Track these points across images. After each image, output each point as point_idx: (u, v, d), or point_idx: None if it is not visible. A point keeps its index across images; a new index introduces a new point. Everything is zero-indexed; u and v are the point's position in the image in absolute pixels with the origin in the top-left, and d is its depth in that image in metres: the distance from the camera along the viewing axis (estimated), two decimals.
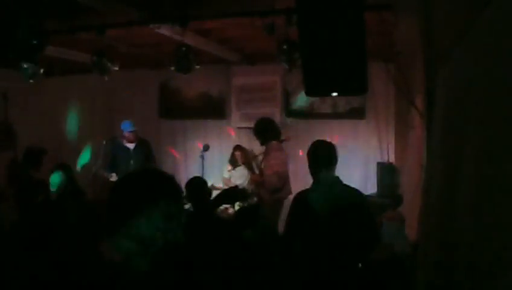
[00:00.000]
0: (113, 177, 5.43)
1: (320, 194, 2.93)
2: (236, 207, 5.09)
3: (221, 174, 6.40)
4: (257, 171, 6.14)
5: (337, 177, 3.00)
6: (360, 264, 3.33)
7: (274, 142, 4.88)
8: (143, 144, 5.89)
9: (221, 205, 3.89)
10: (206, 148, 5.98)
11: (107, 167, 5.67)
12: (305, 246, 2.91)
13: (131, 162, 5.68)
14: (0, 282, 2.62)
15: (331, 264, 2.73)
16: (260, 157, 5.85)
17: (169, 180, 1.37)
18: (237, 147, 6.19)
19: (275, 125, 5.08)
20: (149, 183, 1.34)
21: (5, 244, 2.96)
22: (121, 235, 1.29)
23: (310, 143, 3.17)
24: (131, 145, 5.80)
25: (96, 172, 5.59)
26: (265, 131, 4.95)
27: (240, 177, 5.98)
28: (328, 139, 5.74)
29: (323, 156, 3.00)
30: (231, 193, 3.25)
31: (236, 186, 3.40)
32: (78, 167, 6.08)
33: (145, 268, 1.28)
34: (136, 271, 1.27)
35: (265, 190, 4.78)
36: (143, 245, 1.28)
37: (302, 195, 3.07)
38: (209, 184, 4.67)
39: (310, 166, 3.06)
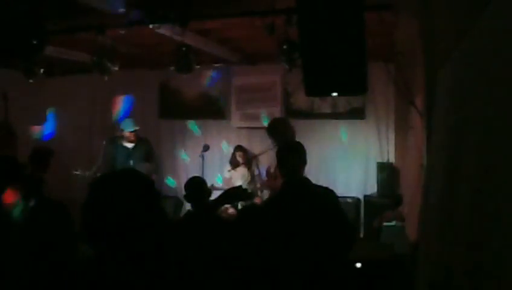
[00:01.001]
0: None
1: (290, 196, 2.91)
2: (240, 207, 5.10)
3: (221, 174, 6.40)
4: (257, 172, 6.14)
5: (306, 179, 2.98)
6: (359, 264, 3.34)
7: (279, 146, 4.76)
8: (143, 143, 5.79)
9: (223, 205, 3.89)
10: (206, 148, 5.97)
11: (106, 168, 5.63)
12: (280, 248, 2.88)
13: (131, 162, 5.62)
14: (1, 282, 2.62)
15: (313, 264, 2.71)
16: (260, 158, 5.86)
17: (145, 183, 1.36)
18: (238, 148, 6.19)
19: (290, 126, 4.96)
20: (125, 185, 1.33)
21: (6, 244, 2.95)
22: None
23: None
24: (130, 145, 5.71)
25: (95, 173, 5.55)
26: (281, 133, 4.82)
27: (240, 177, 5.98)
28: (328, 139, 5.72)
29: (291, 158, 2.98)
30: (233, 193, 3.24)
31: (239, 186, 3.39)
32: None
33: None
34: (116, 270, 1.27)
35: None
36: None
37: (272, 198, 3.06)
38: (209, 184, 4.67)
39: (279, 168, 3.05)
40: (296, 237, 2.73)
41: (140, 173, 1.47)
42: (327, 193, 2.96)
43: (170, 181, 6.86)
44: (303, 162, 2.97)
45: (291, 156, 2.97)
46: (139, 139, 5.76)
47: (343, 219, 2.94)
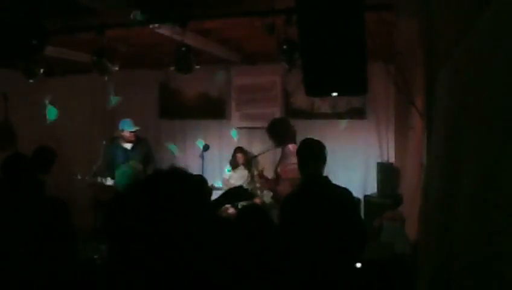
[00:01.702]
0: (109, 182, 5.38)
1: (308, 194, 2.91)
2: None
3: (221, 174, 6.40)
4: (256, 172, 6.13)
5: (326, 177, 2.99)
6: (359, 264, 3.33)
7: (291, 145, 4.73)
8: (141, 143, 5.85)
9: (224, 205, 3.90)
10: (206, 148, 5.97)
11: (106, 169, 5.65)
12: (298, 246, 2.89)
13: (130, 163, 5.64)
14: (2, 280, 2.62)
15: (322, 264, 2.72)
16: (259, 158, 5.85)
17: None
18: (238, 149, 6.18)
19: (291, 127, 4.93)
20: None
21: (7, 242, 2.95)
22: None
23: None
24: (129, 146, 5.77)
25: (95, 173, 5.58)
26: (282, 133, 4.77)
27: (239, 177, 5.98)
28: (328, 139, 5.74)
29: (311, 155, 2.99)
30: (234, 193, 3.25)
31: (240, 186, 3.41)
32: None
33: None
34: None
35: (280, 196, 4.71)
36: None
37: (292, 196, 3.06)
38: (209, 184, 4.67)
39: (298, 165, 3.05)
40: (310, 235, 2.74)
41: (189, 173, 1.44)
42: (345, 194, 2.97)
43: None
44: (323, 161, 2.97)
45: (312, 154, 2.98)
46: (138, 140, 5.80)
47: (358, 221, 2.95)
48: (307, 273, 2.71)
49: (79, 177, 5.48)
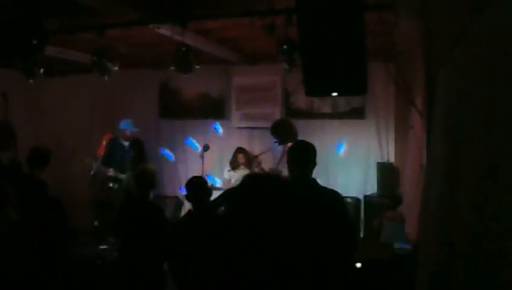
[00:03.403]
0: (111, 172, 5.75)
1: (297, 194, 2.89)
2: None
3: (221, 174, 6.40)
4: (256, 170, 6.14)
5: (313, 179, 2.96)
6: (359, 264, 3.33)
7: (292, 144, 4.88)
8: (137, 142, 6.14)
9: (222, 205, 3.90)
10: (206, 148, 5.97)
11: (106, 164, 5.86)
12: (281, 245, 2.86)
13: (127, 158, 5.94)
14: (1, 280, 2.62)
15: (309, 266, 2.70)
16: (260, 158, 5.86)
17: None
18: (240, 150, 6.16)
19: (293, 127, 5.09)
20: None
21: (6, 242, 2.96)
22: None
23: None
24: (126, 143, 6.05)
25: (96, 171, 5.68)
26: (284, 132, 4.96)
27: (239, 177, 5.97)
28: (328, 139, 5.74)
29: (298, 157, 2.97)
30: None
31: None
32: None
33: None
34: None
35: None
36: None
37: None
38: (209, 184, 4.68)
39: (287, 166, 3.04)
40: (298, 235, 2.72)
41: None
42: (334, 196, 2.93)
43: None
44: (313, 162, 2.96)
45: (302, 155, 2.97)
46: (134, 140, 6.12)
47: (347, 223, 2.92)
48: (303, 272, 2.70)
49: (88, 163, 5.69)
